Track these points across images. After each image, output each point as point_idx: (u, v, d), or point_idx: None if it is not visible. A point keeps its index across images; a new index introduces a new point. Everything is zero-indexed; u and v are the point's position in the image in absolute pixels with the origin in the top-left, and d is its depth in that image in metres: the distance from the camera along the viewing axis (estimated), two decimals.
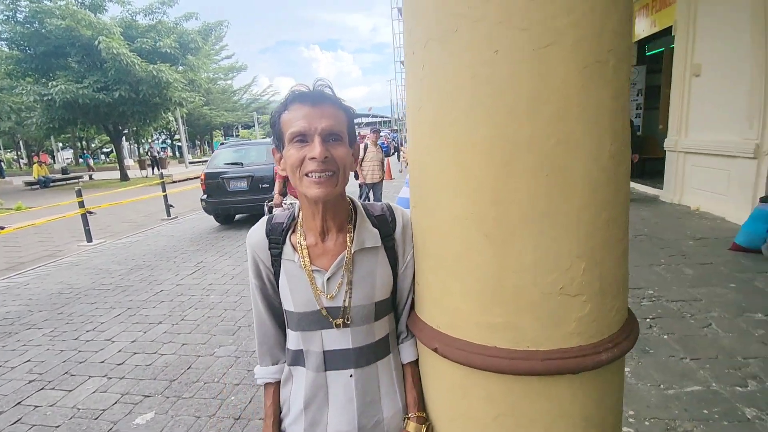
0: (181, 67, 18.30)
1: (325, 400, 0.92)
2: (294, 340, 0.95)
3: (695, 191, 6.00)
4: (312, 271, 0.89)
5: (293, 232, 0.94)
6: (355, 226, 0.92)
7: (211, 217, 8.29)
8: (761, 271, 3.55)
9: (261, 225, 0.97)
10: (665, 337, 2.64)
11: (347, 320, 0.89)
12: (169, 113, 20.00)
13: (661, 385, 2.17)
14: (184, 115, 23.79)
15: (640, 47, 8.18)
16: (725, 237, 4.39)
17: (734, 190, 5.10)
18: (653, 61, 8.16)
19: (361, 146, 6.70)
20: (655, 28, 7.08)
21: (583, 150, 0.69)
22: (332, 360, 0.91)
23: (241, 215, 8.69)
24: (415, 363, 0.99)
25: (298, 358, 0.95)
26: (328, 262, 0.90)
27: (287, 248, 0.92)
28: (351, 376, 0.91)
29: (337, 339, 0.90)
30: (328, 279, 0.89)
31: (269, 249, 0.94)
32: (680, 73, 6.13)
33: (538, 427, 0.80)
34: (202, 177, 7.76)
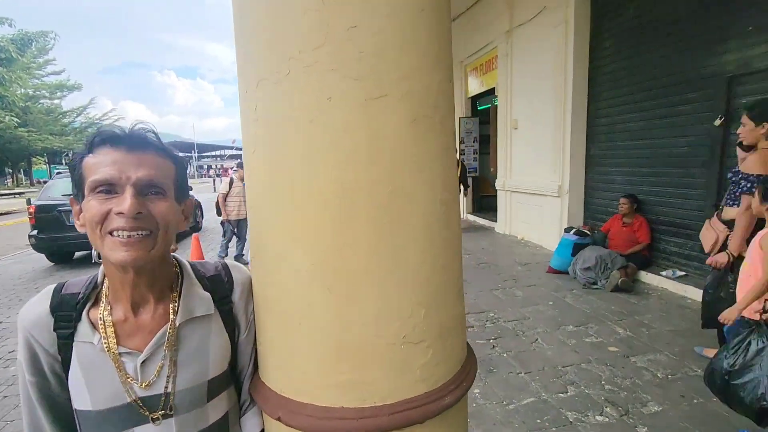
0: None
1: None
2: None
3: (520, 223, 7.15)
4: (120, 354, 0.70)
5: (93, 305, 0.73)
6: (180, 293, 0.76)
7: (43, 255, 6.96)
8: (570, 289, 4.34)
9: (43, 297, 0.73)
10: (505, 355, 2.97)
11: (169, 410, 0.72)
12: None
13: (504, 401, 2.40)
14: None
15: (473, 102, 9.65)
16: (544, 262, 5.28)
17: (547, 222, 6.24)
18: (484, 114, 9.68)
19: (226, 180, 6.25)
20: (484, 88, 8.47)
21: (418, 198, 0.71)
22: None
23: (82, 252, 7.31)
24: None
25: None
26: (142, 342, 0.71)
27: (83, 327, 0.70)
28: None
29: None
30: (144, 362, 0.70)
31: (55, 330, 0.70)
32: (503, 125, 7.38)
33: None
34: (32, 210, 6.61)
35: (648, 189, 4.67)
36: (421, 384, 0.76)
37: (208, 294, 0.79)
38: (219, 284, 0.81)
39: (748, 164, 2.35)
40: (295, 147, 0.68)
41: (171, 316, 0.73)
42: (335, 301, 0.70)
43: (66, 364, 0.70)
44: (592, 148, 5.56)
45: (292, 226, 0.71)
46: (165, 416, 0.72)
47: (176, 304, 0.74)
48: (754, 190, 2.15)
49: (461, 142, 9.21)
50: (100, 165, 0.66)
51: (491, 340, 3.22)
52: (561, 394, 2.44)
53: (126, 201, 0.64)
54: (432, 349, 0.76)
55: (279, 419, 0.76)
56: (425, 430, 0.77)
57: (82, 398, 0.70)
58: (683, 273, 4.20)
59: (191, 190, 0.90)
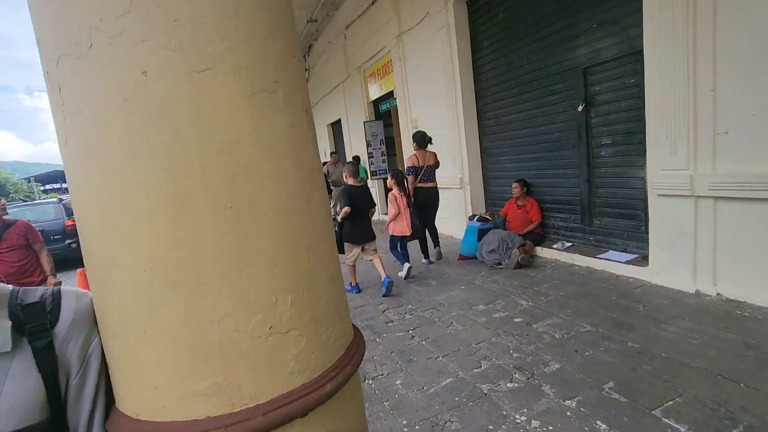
0: None
1: None
2: None
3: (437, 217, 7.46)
4: None
5: None
6: None
7: None
8: (479, 272, 4.61)
9: None
10: (423, 342, 3.05)
11: None
12: None
13: (424, 387, 2.45)
14: None
15: (376, 106, 9.88)
16: (455, 251, 5.55)
17: (454, 213, 6.58)
18: (387, 117, 9.95)
19: None
20: (383, 91, 8.70)
21: (266, 179, 0.66)
22: None
23: None
24: None
25: None
26: None
27: None
28: None
29: None
30: None
31: None
32: (405, 125, 7.65)
33: None
34: None
35: (534, 173, 5.15)
36: (298, 376, 0.71)
37: (8, 325, 0.63)
38: (36, 314, 0.66)
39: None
40: (111, 132, 0.60)
41: None
42: (182, 299, 0.63)
43: None
44: (485, 141, 6.00)
45: (121, 223, 0.62)
46: None
47: None
48: None
49: (368, 145, 9.34)
50: None
51: (410, 331, 3.27)
52: (476, 370, 2.56)
53: None
54: (305, 337, 0.72)
55: None
56: (310, 423, 0.72)
57: None
58: (570, 243, 4.71)
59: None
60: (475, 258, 5.07)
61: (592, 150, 4.32)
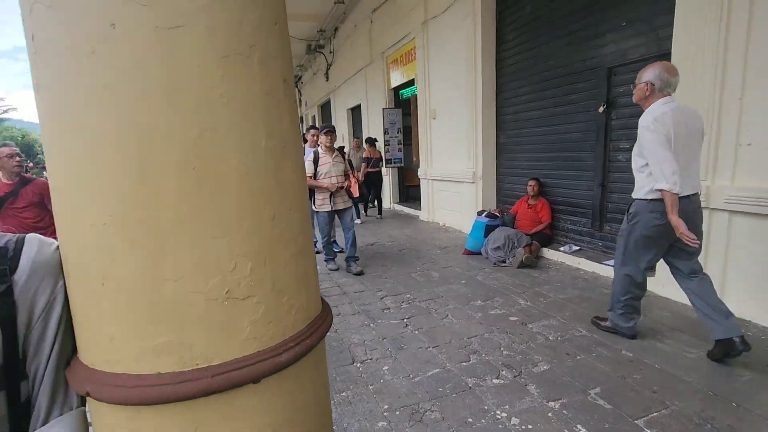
0: None
1: None
2: None
3: (441, 210, 7.41)
4: None
5: None
6: None
7: None
8: (482, 268, 4.58)
9: None
10: (416, 332, 3.05)
11: None
12: None
13: (410, 375, 2.46)
14: None
15: (396, 93, 9.79)
16: (461, 245, 5.51)
17: (464, 207, 6.53)
18: (406, 105, 9.87)
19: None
20: (405, 78, 8.61)
21: (232, 143, 0.66)
22: None
23: None
24: None
25: None
26: None
27: None
28: None
29: None
30: None
31: None
32: (423, 115, 7.58)
33: None
34: None
35: (548, 172, 5.06)
36: (253, 342, 0.72)
37: None
38: None
39: None
40: (78, 84, 0.60)
41: None
42: (142, 255, 0.63)
43: None
44: (501, 136, 5.90)
45: (86, 175, 0.62)
46: None
47: None
48: None
49: (385, 132, 9.29)
50: None
51: (405, 320, 3.28)
52: (464, 363, 2.56)
53: None
54: (264, 305, 0.72)
55: (87, 394, 0.68)
56: (262, 390, 0.73)
57: None
58: (578, 247, 4.63)
59: None
60: (480, 254, 5.04)
61: (609, 153, 4.21)
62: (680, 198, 2.28)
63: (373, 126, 10.07)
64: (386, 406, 2.17)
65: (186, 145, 0.63)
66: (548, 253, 4.83)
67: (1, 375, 0.67)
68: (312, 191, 4.56)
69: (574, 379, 2.31)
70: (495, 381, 2.35)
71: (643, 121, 2.37)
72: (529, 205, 5.07)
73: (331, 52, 12.34)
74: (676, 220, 2.25)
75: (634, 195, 2.54)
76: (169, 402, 0.66)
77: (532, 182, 4.99)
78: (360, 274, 4.56)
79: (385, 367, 2.57)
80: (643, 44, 3.69)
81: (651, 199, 2.40)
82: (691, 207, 2.37)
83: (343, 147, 11.79)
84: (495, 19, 5.59)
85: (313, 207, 4.64)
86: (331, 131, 4.52)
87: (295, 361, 0.76)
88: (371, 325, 3.25)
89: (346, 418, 2.11)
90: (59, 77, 0.61)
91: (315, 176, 4.49)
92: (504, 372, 2.43)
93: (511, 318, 3.19)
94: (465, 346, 2.79)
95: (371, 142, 8.40)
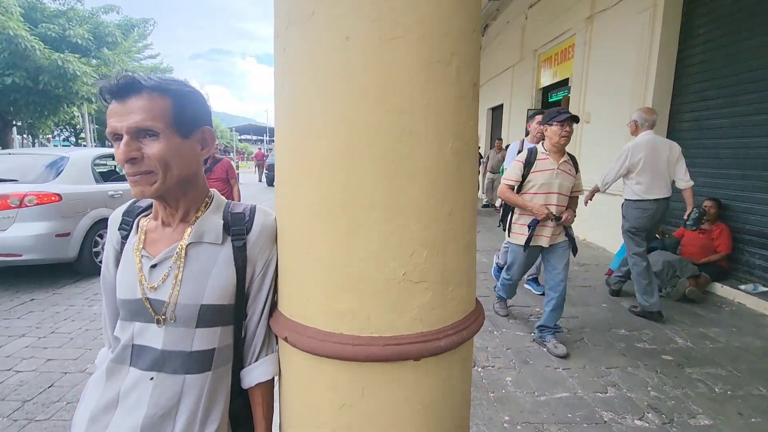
0: (94, 61, 16.61)
1: (116, 398, 0.81)
2: (117, 328, 0.86)
3: (583, 223, 6.74)
4: (142, 256, 0.82)
5: (147, 215, 0.89)
6: (199, 218, 0.85)
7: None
8: (628, 294, 4.05)
9: (126, 204, 0.93)
10: (544, 349, 2.87)
11: (170, 318, 0.80)
12: (74, 108, 17.78)
13: (536, 392, 2.34)
14: (93, 112, 21.48)
15: (545, 94, 9.19)
16: (604, 264, 4.96)
17: (612, 223, 5.82)
18: (554, 107, 9.19)
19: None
20: (557, 78, 8.01)
21: (425, 143, 0.73)
22: (138, 355, 0.82)
23: None
24: (269, 384, 0.90)
25: (114, 348, 0.86)
26: (158, 250, 0.83)
27: (134, 230, 0.87)
28: (152, 379, 0.80)
29: (150, 335, 0.81)
30: (153, 267, 0.81)
31: (118, 229, 0.89)
32: None
33: (381, 416, 0.80)
34: None
35: (734, 194, 4.19)
36: (418, 323, 0.79)
37: (221, 223, 0.86)
38: (238, 221, 0.87)
39: None
40: (312, 85, 0.73)
41: (186, 236, 0.83)
42: (340, 234, 0.75)
43: (119, 259, 0.85)
44: None
45: (305, 160, 0.76)
46: (163, 322, 0.81)
47: (193, 227, 0.84)
48: None
49: (527, 134, 8.80)
50: (109, 117, 0.76)
51: (531, 334, 3.12)
52: (600, 394, 2.33)
53: (119, 150, 0.74)
54: (432, 291, 0.79)
55: (285, 339, 0.83)
56: (420, 368, 0.80)
57: (118, 287, 0.84)
58: (766, 289, 3.74)
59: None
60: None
61: None
62: (649, 200, 3.47)
63: (514, 129, 9.63)
64: (507, 417, 2.11)
65: (388, 142, 0.71)
66: (720, 290, 4.02)
67: (234, 311, 0.86)
68: (510, 208, 3.00)
69: None
70: (637, 422, 2.08)
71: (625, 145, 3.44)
72: (702, 230, 4.27)
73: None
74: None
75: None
76: (346, 360, 0.78)
77: (709, 203, 4.20)
78: (564, 356, 2.72)
79: (508, 378, 2.49)
80: None
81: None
82: (656, 206, 3.48)
83: (479, 148, 11.58)
84: (681, 10, 4.80)
85: (507, 235, 3.07)
86: (569, 119, 2.69)
87: (451, 348, 0.81)
88: (495, 332, 3.17)
89: None
90: (298, 82, 0.75)
91: (520, 187, 2.85)
92: (650, 415, 2.13)
93: (664, 356, 2.76)
94: (603, 375, 2.53)
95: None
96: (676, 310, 3.60)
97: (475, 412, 2.16)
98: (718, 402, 2.25)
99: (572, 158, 2.87)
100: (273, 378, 0.91)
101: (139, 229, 0.85)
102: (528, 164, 2.81)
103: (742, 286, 3.87)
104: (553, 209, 2.76)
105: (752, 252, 4.01)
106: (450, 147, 0.76)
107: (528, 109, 8.72)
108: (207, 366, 0.84)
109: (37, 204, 4.17)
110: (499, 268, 3.86)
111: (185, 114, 0.79)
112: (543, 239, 2.81)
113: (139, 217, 0.89)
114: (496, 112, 11.61)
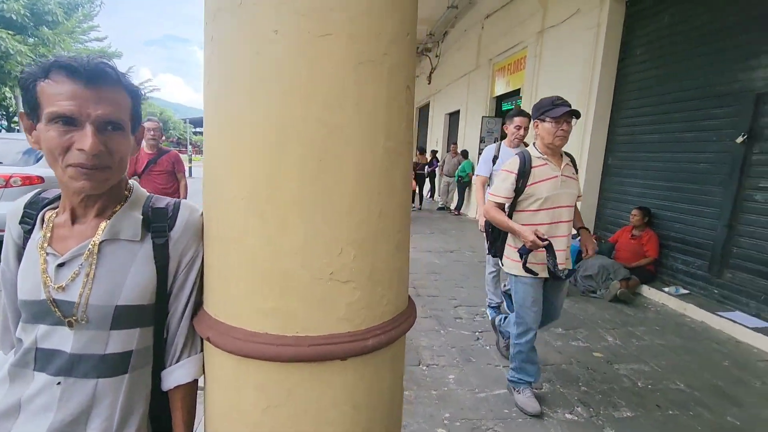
0: (31, 39, 15.24)
1: (17, 404, 0.75)
2: (19, 330, 0.79)
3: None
4: (47, 253, 0.75)
5: (53, 207, 0.81)
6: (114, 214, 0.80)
7: None
8: (568, 295, 4.28)
9: (26, 196, 0.84)
10: (487, 347, 2.97)
11: (81, 320, 0.74)
12: (6, 89, 16.22)
13: (476, 389, 2.41)
14: None
15: (498, 102, 9.52)
16: None
17: None
18: (505, 115, 9.56)
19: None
20: (510, 88, 8.33)
21: (355, 141, 0.73)
22: (44, 360, 0.75)
23: None
24: (189, 387, 0.86)
25: (17, 350, 0.79)
26: (68, 247, 0.77)
27: (38, 224, 0.79)
28: (59, 384, 0.75)
29: (57, 338, 0.75)
30: (60, 266, 0.75)
31: (21, 222, 0.80)
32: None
33: (308, 417, 0.79)
34: None
35: (662, 203, 4.55)
36: (345, 323, 0.78)
37: (140, 219, 0.80)
38: (160, 217, 0.82)
39: None
40: (241, 78, 0.71)
41: (99, 232, 0.77)
42: (266, 229, 0.73)
43: (21, 255, 0.78)
44: (610, 158, 5.43)
45: (232, 154, 0.74)
46: (74, 324, 0.75)
47: (108, 222, 0.78)
48: None
49: (482, 141, 9.09)
50: (59, 97, 0.68)
51: (476, 333, 3.22)
52: (535, 390, 2.43)
53: (87, 139, 0.69)
54: (360, 291, 0.79)
55: (208, 339, 0.80)
56: (347, 368, 0.80)
57: (19, 288, 0.76)
58: (686, 291, 4.10)
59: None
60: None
61: (743, 191, 3.65)
62: None
63: (470, 134, 9.91)
64: (447, 415, 2.16)
65: (316, 138, 0.71)
66: (648, 292, 4.35)
67: (154, 312, 0.82)
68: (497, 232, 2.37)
69: None
70: (568, 416, 2.20)
71: None
72: (632, 235, 4.61)
73: (437, 56, 12.40)
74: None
75: None
76: (270, 360, 0.76)
77: (636, 212, 4.54)
78: (536, 416, 2.18)
79: (451, 376, 2.55)
80: None
81: None
82: None
83: (436, 152, 11.81)
84: (622, 31, 5.16)
85: (500, 262, 2.45)
86: (567, 114, 2.09)
87: (378, 348, 0.82)
88: (441, 331, 3.24)
89: (406, 417, 2.14)
90: (227, 73, 0.73)
91: (514, 204, 2.21)
92: (579, 409, 2.27)
93: (595, 354, 2.95)
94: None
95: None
96: (608, 311, 3.85)
97: (416, 410, 2.19)
98: (640, 395, 2.43)
99: (571, 158, 2.26)
100: (195, 381, 0.88)
101: (45, 224, 0.77)
102: (522, 175, 2.13)
103: (666, 289, 4.21)
104: (564, 228, 2.16)
105: (676, 257, 4.38)
106: (382, 146, 0.76)
107: (483, 116, 8.99)
108: (122, 369, 0.79)
109: (22, 185, 4.39)
110: (508, 296, 2.92)
111: (137, 112, 0.80)
112: (542, 267, 2.15)
113: (45, 210, 0.81)
114: (453, 117, 11.89)
